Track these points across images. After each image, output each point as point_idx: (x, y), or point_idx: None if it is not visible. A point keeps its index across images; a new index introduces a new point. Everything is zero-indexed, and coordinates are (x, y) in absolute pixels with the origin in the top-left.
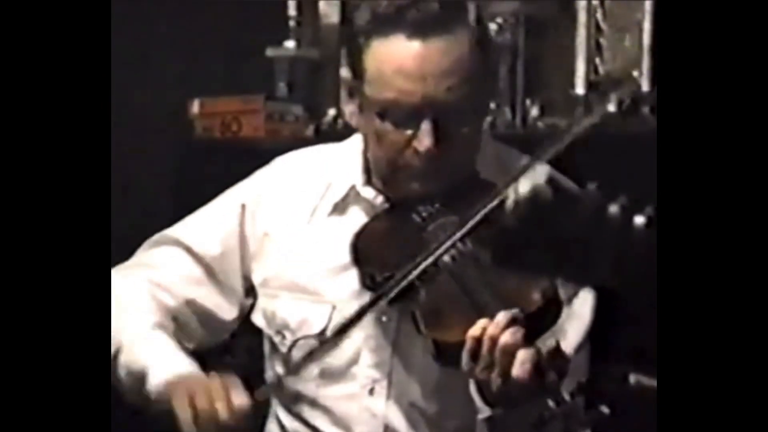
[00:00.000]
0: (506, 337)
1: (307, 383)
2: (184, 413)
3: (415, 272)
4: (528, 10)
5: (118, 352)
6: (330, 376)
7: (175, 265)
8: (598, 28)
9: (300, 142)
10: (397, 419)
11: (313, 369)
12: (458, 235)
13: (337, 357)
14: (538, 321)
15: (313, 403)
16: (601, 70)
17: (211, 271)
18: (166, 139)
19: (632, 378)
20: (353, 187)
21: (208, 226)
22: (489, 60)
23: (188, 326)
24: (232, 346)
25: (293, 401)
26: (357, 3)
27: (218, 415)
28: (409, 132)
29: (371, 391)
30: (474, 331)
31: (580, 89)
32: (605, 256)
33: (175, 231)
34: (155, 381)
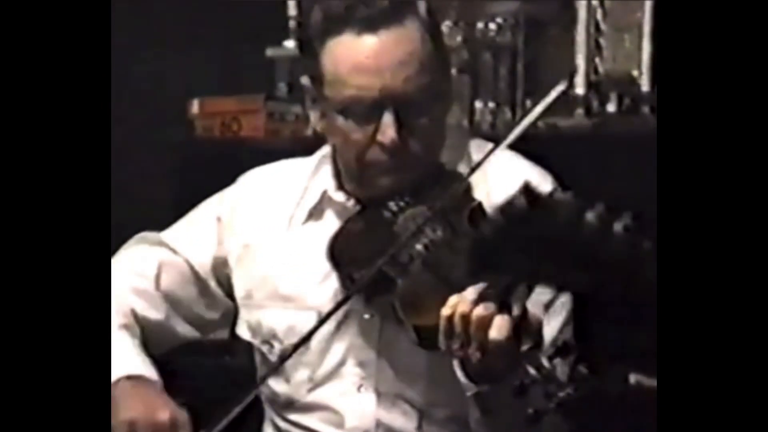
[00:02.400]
0: (479, 311)
1: (299, 389)
2: None
3: (384, 259)
4: (528, 10)
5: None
6: (319, 378)
7: (158, 260)
8: (598, 28)
9: (300, 142)
10: (388, 413)
11: (303, 374)
12: (423, 220)
13: (326, 361)
14: (512, 295)
15: (305, 408)
16: (601, 70)
17: (194, 272)
18: (166, 139)
19: (632, 378)
20: (325, 192)
21: (189, 233)
22: (444, 50)
23: (166, 322)
24: (230, 346)
25: (285, 408)
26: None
27: None
28: (372, 127)
29: (359, 389)
30: (446, 310)
31: (580, 89)
32: (583, 262)
33: (159, 234)
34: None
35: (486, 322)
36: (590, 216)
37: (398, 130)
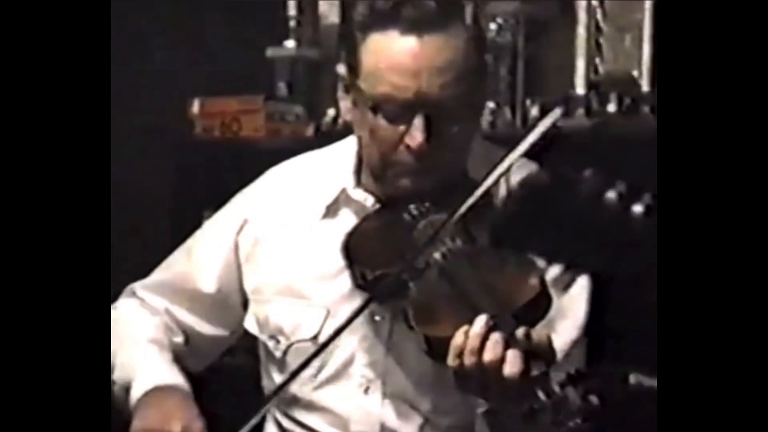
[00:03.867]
0: (488, 354)
1: (303, 386)
2: None
3: (405, 269)
4: (528, 10)
5: (113, 370)
6: (325, 378)
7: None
8: (598, 28)
9: (300, 142)
10: (393, 417)
11: (309, 372)
12: (442, 226)
13: (333, 359)
14: (528, 314)
15: (310, 406)
16: (601, 70)
17: (211, 303)
18: (166, 139)
19: (632, 378)
20: (344, 190)
21: (208, 261)
22: (484, 60)
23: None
24: (232, 346)
25: (289, 405)
26: (355, 1)
27: None
28: (402, 128)
29: (366, 390)
30: (457, 340)
31: (580, 89)
32: (602, 240)
33: (176, 265)
34: (136, 393)
35: (498, 361)
36: (610, 194)
37: (427, 135)
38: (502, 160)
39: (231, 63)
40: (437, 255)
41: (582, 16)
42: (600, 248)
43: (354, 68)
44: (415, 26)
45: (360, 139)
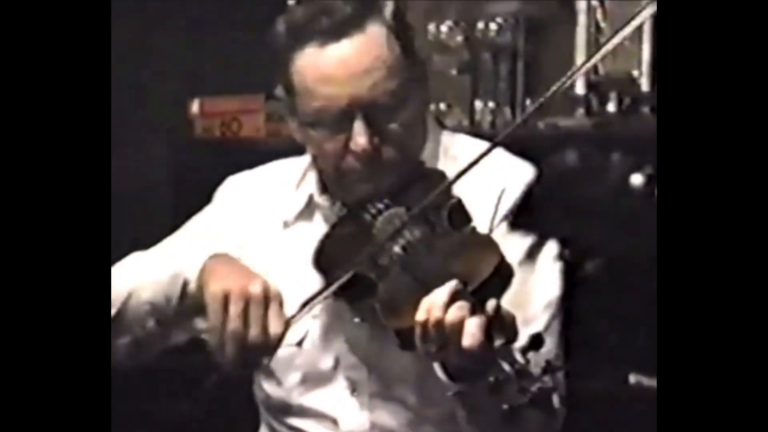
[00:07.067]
0: (451, 314)
1: (291, 392)
2: (214, 318)
3: (370, 268)
4: (528, 10)
5: (128, 297)
6: (312, 382)
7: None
8: (598, 28)
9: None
10: (382, 414)
11: (296, 377)
12: (404, 224)
13: (319, 364)
14: (489, 289)
15: (300, 411)
16: (601, 70)
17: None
18: (166, 139)
19: (632, 378)
20: (311, 197)
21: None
22: (413, 51)
23: None
24: None
25: (281, 411)
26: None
27: (248, 338)
28: (344, 136)
29: (353, 391)
30: (421, 314)
31: (580, 89)
32: (623, 223)
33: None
34: (193, 269)
35: (459, 327)
36: (636, 178)
37: (370, 137)
38: (476, 162)
39: (231, 63)
40: (398, 249)
41: (582, 16)
42: (620, 231)
43: (288, 88)
44: (332, 35)
45: (314, 155)
